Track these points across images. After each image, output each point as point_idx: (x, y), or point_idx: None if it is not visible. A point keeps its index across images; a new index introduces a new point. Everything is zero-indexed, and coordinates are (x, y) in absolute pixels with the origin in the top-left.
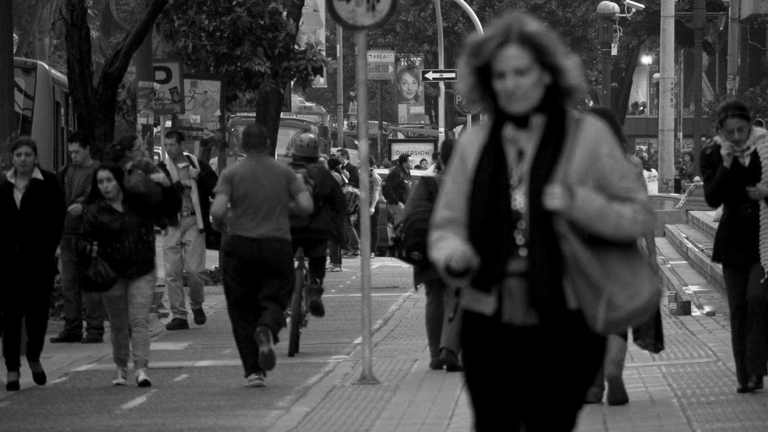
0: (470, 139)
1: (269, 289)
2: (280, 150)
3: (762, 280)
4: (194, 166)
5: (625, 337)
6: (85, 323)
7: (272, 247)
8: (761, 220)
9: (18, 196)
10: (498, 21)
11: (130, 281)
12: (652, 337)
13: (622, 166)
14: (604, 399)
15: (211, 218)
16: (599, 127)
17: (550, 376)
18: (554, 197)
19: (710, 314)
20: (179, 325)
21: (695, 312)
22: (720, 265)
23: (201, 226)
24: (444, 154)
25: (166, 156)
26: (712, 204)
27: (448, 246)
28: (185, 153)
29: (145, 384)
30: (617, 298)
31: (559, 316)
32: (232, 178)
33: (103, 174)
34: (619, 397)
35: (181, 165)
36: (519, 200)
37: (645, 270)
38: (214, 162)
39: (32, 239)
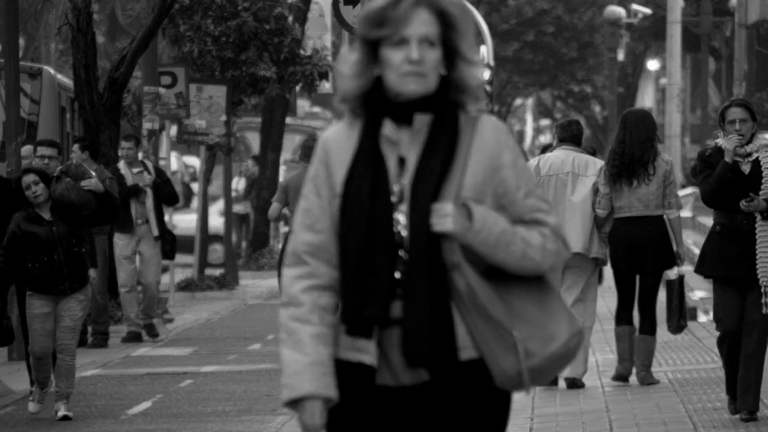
0: (337, 141)
1: None
2: (286, 155)
3: (765, 303)
4: (149, 173)
5: (653, 333)
6: (90, 328)
7: None
8: (758, 233)
9: None
10: None
11: (60, 298)
12: (677, 318)
13: (529, 180)
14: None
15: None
16: (499, 130)
17: None
18: (445, 217)
19: None
20: (134, 338)
21: (701, 318)
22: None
23: (156, 233)
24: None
25: (121, 161)
26: (711, 204)
27: (304, 380)
28: (141, 158)
29: (65, 419)
30: (529, 343)
31: (450, 372)
32: (287, 188)
33: (29, 178)
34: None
35: (135, 170)
36: (401, 221)
37: (559, 306)
38: (219, 168)
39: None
